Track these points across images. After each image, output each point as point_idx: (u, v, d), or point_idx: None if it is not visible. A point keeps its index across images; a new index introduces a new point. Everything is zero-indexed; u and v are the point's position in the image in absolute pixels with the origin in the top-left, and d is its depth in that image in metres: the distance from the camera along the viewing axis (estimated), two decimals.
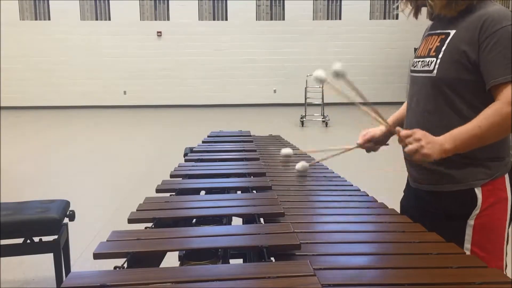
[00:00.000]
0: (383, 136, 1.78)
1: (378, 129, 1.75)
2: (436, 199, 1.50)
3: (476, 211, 1.42)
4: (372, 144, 1.79)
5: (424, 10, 1.58)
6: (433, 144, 1.33)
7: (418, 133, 1.35)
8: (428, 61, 1.48)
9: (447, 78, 1.42)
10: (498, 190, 1.44)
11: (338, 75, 1.43)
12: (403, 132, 1.39)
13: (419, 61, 1.54)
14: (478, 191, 1.42)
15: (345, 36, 12.21)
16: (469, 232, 1.43)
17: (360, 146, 1.80)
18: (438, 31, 1.50)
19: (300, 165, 1.91)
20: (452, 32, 1.43)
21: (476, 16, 1.38)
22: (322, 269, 1.05)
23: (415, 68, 1.56)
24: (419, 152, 1.33)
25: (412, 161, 1.44)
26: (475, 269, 1.07)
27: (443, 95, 1.44)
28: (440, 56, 1.44)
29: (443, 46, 1.44)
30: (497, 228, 1.43)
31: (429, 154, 1.33)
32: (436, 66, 1.44)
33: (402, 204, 1.72)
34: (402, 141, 1.40)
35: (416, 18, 1.60)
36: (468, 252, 1.42)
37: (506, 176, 1.45)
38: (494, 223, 1.43)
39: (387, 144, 1.81)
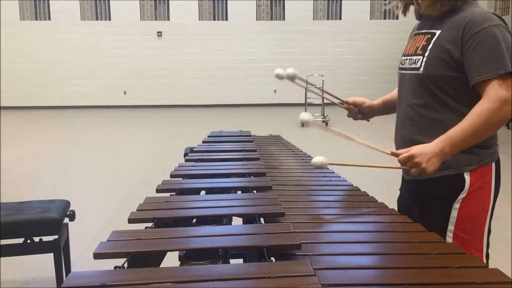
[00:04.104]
0: (370, 110, 1.85)
1: (369, 101, 1.83)
2: (428, 185, 1.56)
3: (463, 195, 1.50)
4: (357, 110, 1.85)
5: (412, 9, 1.65)
6: (433, 157, 1.41)
7: (416, 156, 1.41)
8: (415, 59, 1.56)
9: (433, 75, 1.50)
10: (485, 176, 1.52)
11: (291, 77, 1.50)
12: (401, 158, 1.46)
13: (407, 59, 1.62)
14: (466, 176, 1.50)
15: (345, 36, 12.21)
16: (454, 214, 1.50)
17: (346, 103, 1.84)
18: (424, 31, 1.57)
19: (304, 116, 1.67)
20: (438, 32, 1.51)
21: (460, 17, 1.46)
22: (322, 269, 1.05)
23: (403, 66, 1.64)
24: (424, 172, 1.41)
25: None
26: (475, 269, 1.08)
27: (429, 90, 1.52)
28: (426, 54, 1.52)
29: (429, 45, 1.52)
30: (479, 213, 1.52)
31: (432, 169, 1.41)
32: (423, 64, 1.52)
33: (398, 201, 1.77)
34: (402, 165, 1.46)
35: (405, 15, 1.68)
36: (451, 234, 1.50)
37: (493, 165, 1.53)
38: (477, 207, 1.51)
39: (368, 121, 1.89)
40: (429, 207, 1.55)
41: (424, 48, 1.53)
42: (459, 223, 1.50)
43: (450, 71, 1.46)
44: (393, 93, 1.83)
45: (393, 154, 1.50)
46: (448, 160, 1.48)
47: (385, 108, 1.87)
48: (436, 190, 1.54)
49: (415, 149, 1.43)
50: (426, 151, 1.41)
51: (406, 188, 1.70)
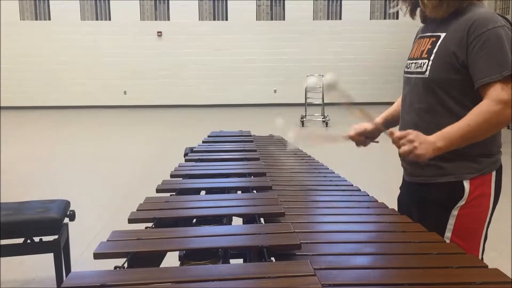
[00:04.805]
0: (375, 131, 1.81)
1: (370, 124, 1.79)
2: (427, 190, 1.56)
3: (462, 203, 1.50)
4: (363, 138, 1.82)
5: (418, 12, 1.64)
6: (426, 144, 1.40)
7: (411, 134, 1.41)
8: (421, 63, 1.55)
9: (438, 79, 1.49)
10: (484, 185, 1.51)
11: (330, 86, 1.47)
12: (397, 133, 1.45)
13: (412, 62, 1.61)
14: (466, 184, 1.50)
15: (345, 36, 12.20)
16: (451, 221, 1.51)
17: (351, 138, 1.81)
18: (429, 34, 1.56)
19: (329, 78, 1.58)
20: (443, 35, 1.50)
21: (464, 19, 1.45)
22: (322, 269, 1.05)
23: (409, 70, 1.63)
24: (413, 153, 1.40)
25: (407, 160, 1.50)
26: (475, 269, 1.08)
27: (435, 94, 1.50)
28: (432, 58, 1.51)
29: (434, 48, 1.51)
30: (477, 221, 1.52)
31: (422, 154, 1.39)
32: (428, 67, 1.51)
33: (399, 201, 1.77)
34: (396, 142, 1.45)
35: (413, 18, 1.66)
36: (447, 241, 1.48)
37: (494, 174, 1.52)
38: (475, 215, 1.51)
39: (377, 141, 1.84)
40: (427, 211, 1.55)
41: (429, 52, 1.52)
42: (456, 230, 1.50)
43: (456, 74, 1.45)
44: (393, 108, 1.82)
45: (390, 133, 1.49)
46: (448, 167, 1.49)
47: (387, 125, 1.81)
48: (435, 195, 1.54)
49: (411, 131, 1.43)
50: (422, 136, 1.41)
51: (406, 188, 1.70)
